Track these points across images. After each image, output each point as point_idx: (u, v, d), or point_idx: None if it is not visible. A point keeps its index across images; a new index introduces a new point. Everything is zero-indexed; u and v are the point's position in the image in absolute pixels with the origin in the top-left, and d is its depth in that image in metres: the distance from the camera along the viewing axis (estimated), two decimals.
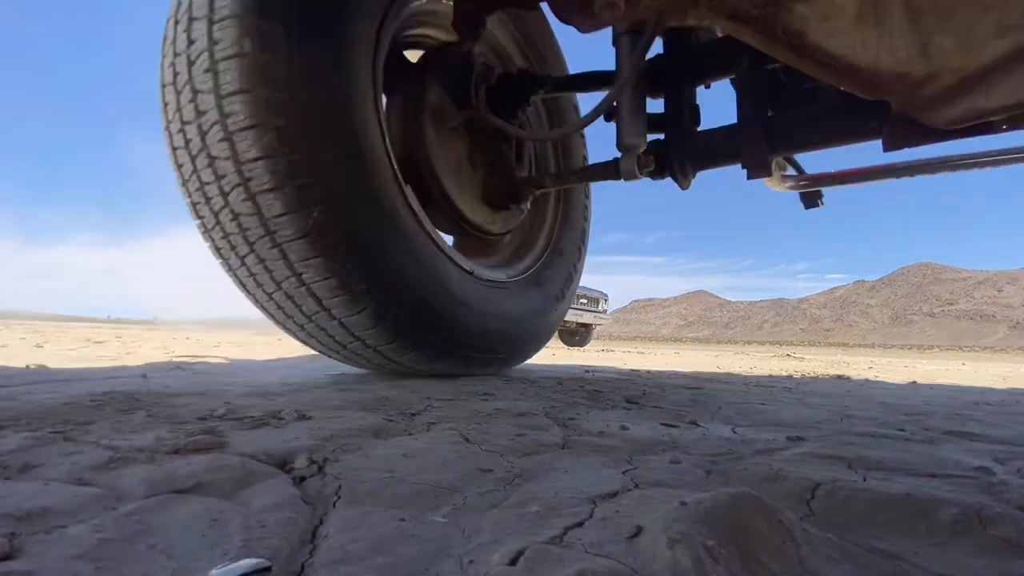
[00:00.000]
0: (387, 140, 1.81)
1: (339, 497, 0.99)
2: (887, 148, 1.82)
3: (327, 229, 1.65)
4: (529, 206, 2.71)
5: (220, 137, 1.50)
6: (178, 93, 1.55)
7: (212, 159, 1.54)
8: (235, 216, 1.64)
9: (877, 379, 4.67)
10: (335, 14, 1.58)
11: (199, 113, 1.50)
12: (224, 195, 1.60)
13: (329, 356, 2.37)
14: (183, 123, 1.57)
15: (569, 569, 0.71)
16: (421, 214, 2.00)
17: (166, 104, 1.64)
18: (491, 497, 1.02)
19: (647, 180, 2.45)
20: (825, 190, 2.70)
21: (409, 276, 1.93)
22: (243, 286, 2.01)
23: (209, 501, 0.91)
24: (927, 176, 2.17)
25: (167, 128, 1.69)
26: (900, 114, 1.58)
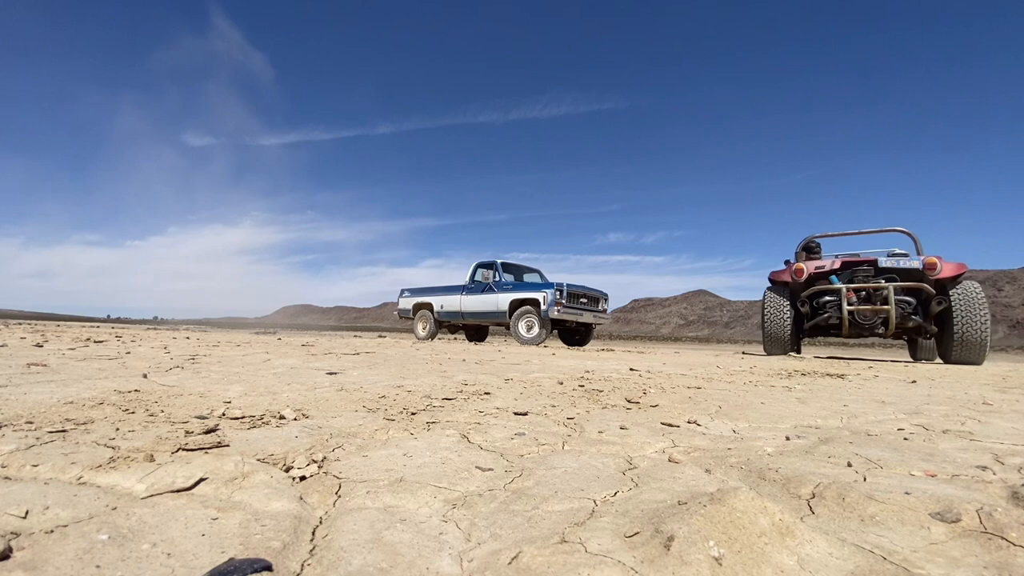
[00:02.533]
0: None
1: (339, 496, 0.99)
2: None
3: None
4: None
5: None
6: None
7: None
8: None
9: (876, 378, 4.67)
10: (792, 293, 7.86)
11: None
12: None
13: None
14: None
15: (569, 570, 0.71)
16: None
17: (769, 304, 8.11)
18: (490, 496, 1.02)
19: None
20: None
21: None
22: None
23: (209, 501, 0.91)
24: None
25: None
26: None
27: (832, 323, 6.38)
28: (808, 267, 6.53)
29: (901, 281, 6.01)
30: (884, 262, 6.22)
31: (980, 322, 5.76)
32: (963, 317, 5.78)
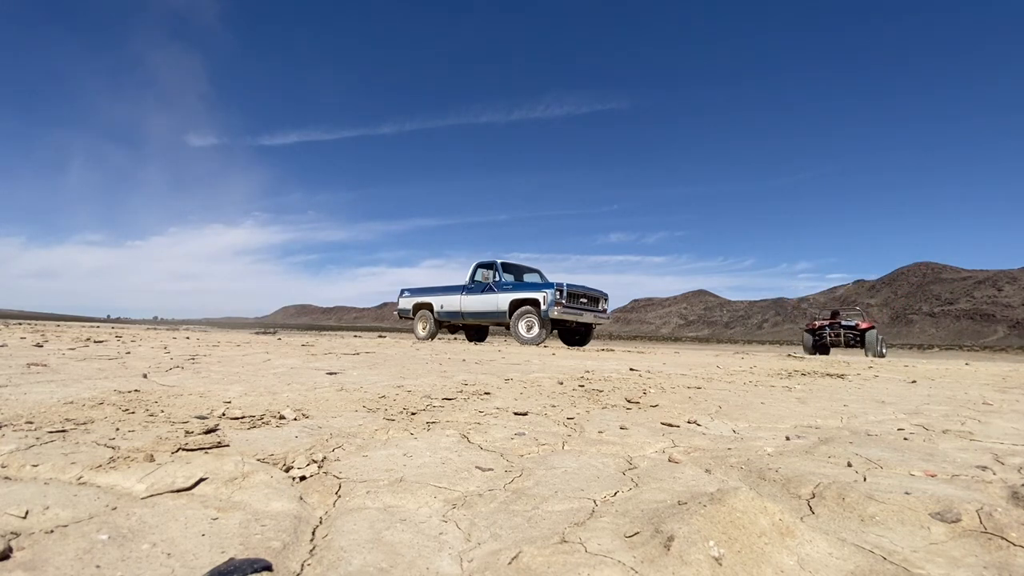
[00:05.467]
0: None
1: (339, 496, 0.99)
2: None
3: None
4: None
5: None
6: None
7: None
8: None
9: (876, 378, 4.67)
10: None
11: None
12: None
13: None
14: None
15: (569, 570, 0.71)
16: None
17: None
18: (490, 496, 1.02)
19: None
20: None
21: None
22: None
23: (209, 501, 0.91)
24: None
25: None
26: None
27: (825, 343, 15.76)
28: (817, 323, 15.98)
29: (849, 328, 15.25)
30: (843, 323, 15.52)
31: (876, 342, 14.68)
32: (869, 341, 14.71)
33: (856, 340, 15.21)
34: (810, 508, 1.02)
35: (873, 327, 15.01)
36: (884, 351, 15.49)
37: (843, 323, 15.43)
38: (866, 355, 14.50)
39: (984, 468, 1.32)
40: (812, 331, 15.97)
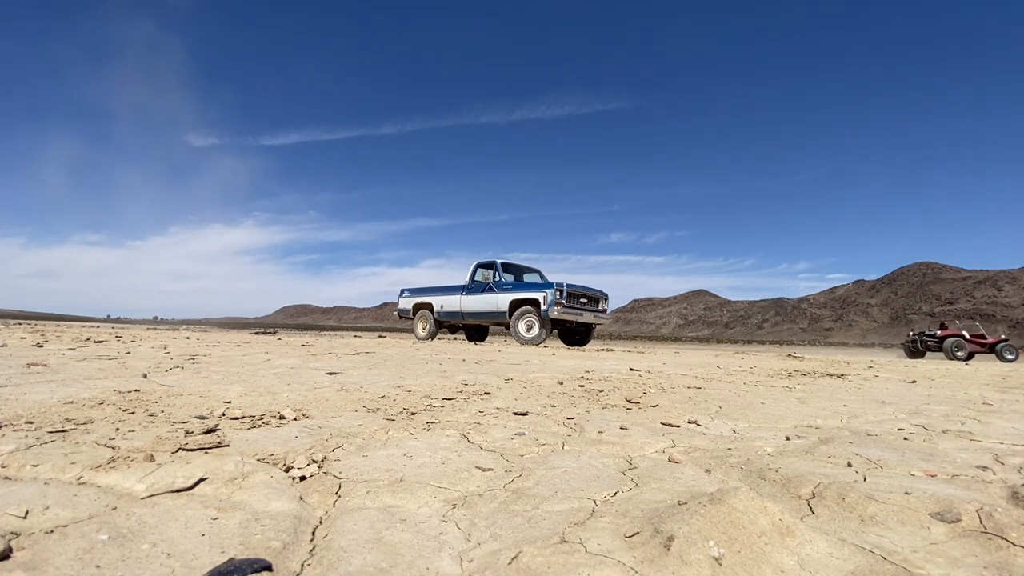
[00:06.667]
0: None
1: (339, 496, 0.99)
2: None
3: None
4: None
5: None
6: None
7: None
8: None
9: (876, 378, 4.67)
10: None
11: None
12: None
13: None
14: None
15: (569, 570, 0.71)
16: None
17: None
18: (490, 496, 1.02)
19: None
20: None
21: None
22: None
23: (209, 501, 0.91)
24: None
25: None
26: None
27: (916, 348, 18.24)
28: (911, 334, 19.18)
29: (931, 336, 17.94)
30: (927, 332, 18.44)
31: (954, 347, 16.93)
32: (946, 347, 17.11)
33: (936, 346, 18.01)
34: (810, 508, 1.02)
35: (953, 335, 17.65)
36: (1011, 357, 16.64)
37: (926, 332, 18.59)
38: (947, 358, 17.40)
39: (984, 468, 1.32)
40: (906, 341, 19.42)
